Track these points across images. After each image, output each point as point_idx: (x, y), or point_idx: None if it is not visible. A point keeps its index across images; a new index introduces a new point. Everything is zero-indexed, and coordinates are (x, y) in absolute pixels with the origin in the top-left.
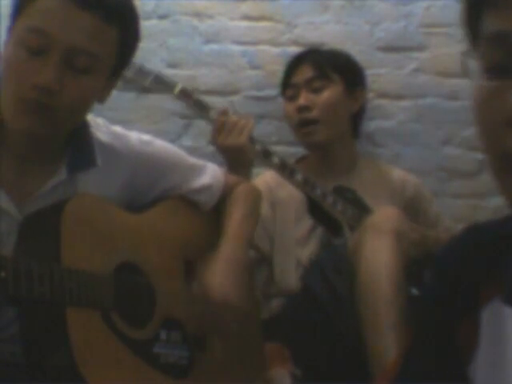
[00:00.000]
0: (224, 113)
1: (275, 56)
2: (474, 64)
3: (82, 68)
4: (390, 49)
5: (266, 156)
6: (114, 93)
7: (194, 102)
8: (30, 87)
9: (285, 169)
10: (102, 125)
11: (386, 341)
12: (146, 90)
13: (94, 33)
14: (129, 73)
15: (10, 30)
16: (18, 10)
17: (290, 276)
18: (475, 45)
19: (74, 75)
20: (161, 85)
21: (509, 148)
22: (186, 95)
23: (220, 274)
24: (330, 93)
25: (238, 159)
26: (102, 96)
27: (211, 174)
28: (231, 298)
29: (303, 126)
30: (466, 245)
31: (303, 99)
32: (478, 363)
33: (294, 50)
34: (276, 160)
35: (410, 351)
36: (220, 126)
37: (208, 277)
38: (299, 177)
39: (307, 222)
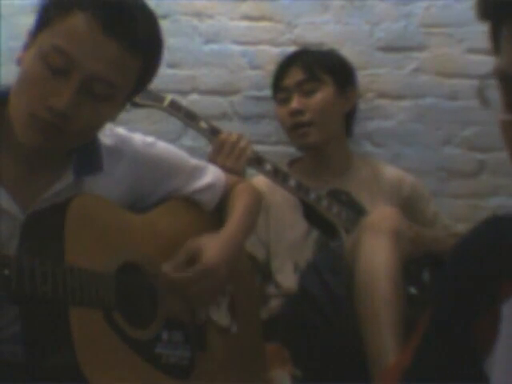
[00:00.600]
0: (221, 132)
1: (275, 56)
2: (492, 93)
3: (100, 96)
4: (390, 49)
5: (259, 163)
6: None
7: (184, 114)
8: (45, 107)
9: (277, 175)
10: (106, 128)
11: (386, 340)
12: (135, 106)
13: (117, 62)
14: None
15: (32, 35)
16: (46, 21)
17: (288, 279)
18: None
19: (90, 102)
20: (150, 99)
21: None
22: (175, 107)
23: (216, 248)
24: (321, 95)
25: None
26: (113, 118)
27: (213, 174)
28: (221, 268)
29: (296, 128)
30: (487, 238)
31: (295, 103)
32: (496, 357)
33: (294, 49)
34: (268, 167)
35: (421, 346)
36: (220, 146)
37: (203, 249)
38: (292, 182)
39: (303, 225)
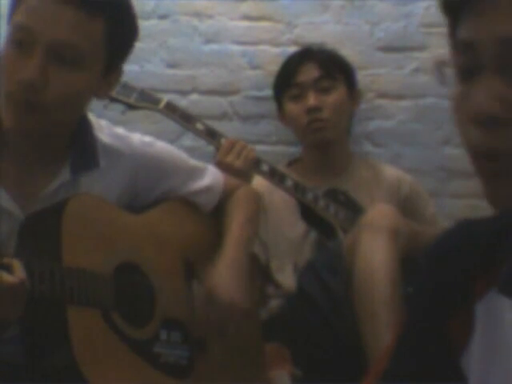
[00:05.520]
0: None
1: (275, 56)
2: (449, 71)
3: (69, 62)
4: (389, 49)
5: (256, 164)
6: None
7: (179, 116)
8: (16, 83)
9: (274, 176)
10: (104, 126)
11: (384, 340)
12: (131, 107)
13: (76, 26)
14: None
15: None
16: (13, 11)
17: (288, 279)
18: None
19: (60, 70)
20: (146, 101)
21: (473, 142)
22: (171, 109)
23: (225, 277)
24: (337, 93)
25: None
26: (99, 91)
27: (211, 176)
28: (237, 300)
29: (312, 123)
30: (458, 239)
31: (313, 100)
32: (472, 354)
33: (294, 49)
34: (265, 167)
35: (396, 348)
36: (230, 146)
37: (212, 279)
38: (289, 183)
39: (301, 226)
